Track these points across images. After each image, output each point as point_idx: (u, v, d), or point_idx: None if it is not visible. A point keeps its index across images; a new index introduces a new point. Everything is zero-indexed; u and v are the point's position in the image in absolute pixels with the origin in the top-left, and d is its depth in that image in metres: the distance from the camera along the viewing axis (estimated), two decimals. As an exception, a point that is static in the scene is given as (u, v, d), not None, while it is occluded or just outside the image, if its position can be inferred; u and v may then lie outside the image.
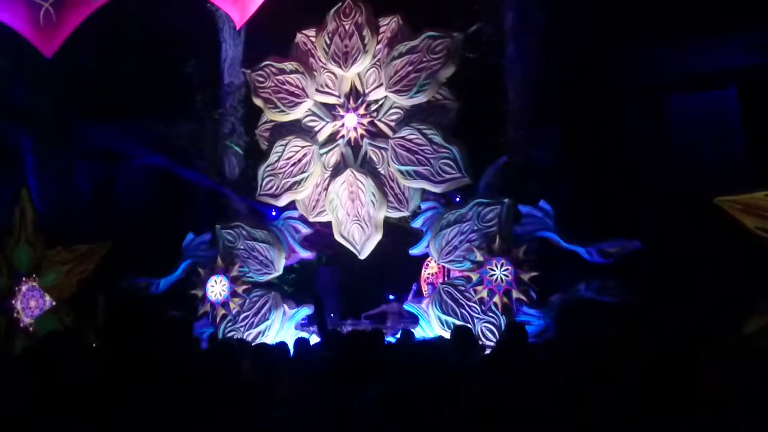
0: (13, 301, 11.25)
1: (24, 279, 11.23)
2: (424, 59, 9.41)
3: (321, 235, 10.64)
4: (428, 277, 10.82)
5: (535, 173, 9.12)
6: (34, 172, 12.64)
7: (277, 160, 10.43)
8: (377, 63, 9.93)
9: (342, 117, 10.16)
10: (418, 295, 10.30)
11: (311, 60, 10.43)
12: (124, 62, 11.53)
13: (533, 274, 8.69)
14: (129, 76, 11.50)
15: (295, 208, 10.52)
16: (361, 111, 10.03)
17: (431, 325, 9.20)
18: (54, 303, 11.04)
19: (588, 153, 8.87)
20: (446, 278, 9.92)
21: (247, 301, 10.26)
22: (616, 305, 7.98)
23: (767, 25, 8.94)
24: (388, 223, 9.99)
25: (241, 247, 10.40)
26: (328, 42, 10.07)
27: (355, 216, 9.93)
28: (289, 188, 10.37)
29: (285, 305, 10.20)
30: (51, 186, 12.73)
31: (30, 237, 11.40)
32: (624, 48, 9.65)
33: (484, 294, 8.87)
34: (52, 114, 12.43)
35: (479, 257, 8.92)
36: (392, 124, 9.85)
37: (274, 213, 10.71)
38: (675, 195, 9.21)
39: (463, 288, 9.11)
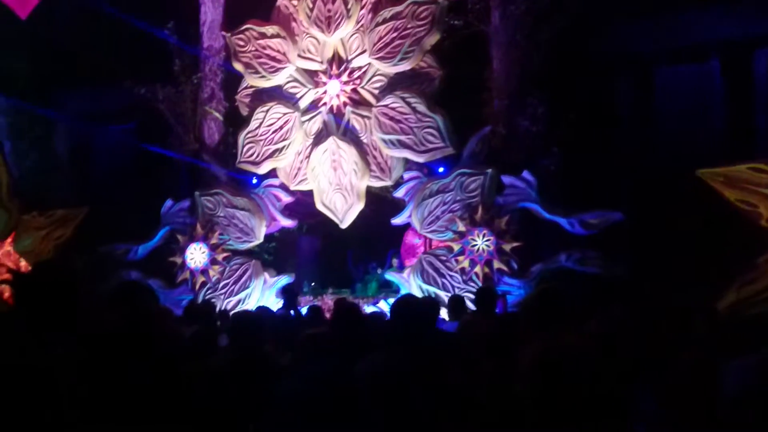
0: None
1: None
2: (409, 26, 9.27)
3: (302, 204, 10.54)
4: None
5: (518, 143, 9.06)
6: (10, 136, 12.40)
7: (258, 127, 10.28)
8: (361, 29, 9.76)
9: (324, 84, 10.01)
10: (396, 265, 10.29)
11: (293, 24, 10.23)
12: (101, 24, 11.24)
13: (515, 244, 8.68)
14: (107, 39, 11.23)
15: (276, 176, 10.41)
16: (344, 78, 9.88)
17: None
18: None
19: (572, 124, 8.79)
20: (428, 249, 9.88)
21: (227, 268, 10.18)
22: (596, 276, 8.01)
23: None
24: (370, 192, 9.91)
25: (221, 214, 10.29)
26: (311, 6, 9.87)
27: (337, 185, 9.84)
28: (270, 155, 10.24)
29: (265, 273, 10.13)
30: (27, 150, 12.51)
31: (5, 201, 11.22)
32: (610, 19, 9.57)
33: (466, 264, 8.86)
34: (29, 77, 12.16)
35: (461, 227, 8.89)
36: (376, 91, 9.72)
37: (254, 180, 10.58)
38: (658, 166, 9.21)
39: (444, 258, 9.09)
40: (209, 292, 10.18)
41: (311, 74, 10.16)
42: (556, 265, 8.40)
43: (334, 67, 9.92)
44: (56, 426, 2.33)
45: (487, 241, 8.72)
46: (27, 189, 11.56)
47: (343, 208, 9.84)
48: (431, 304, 5.85)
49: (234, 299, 10.00)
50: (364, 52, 9.71)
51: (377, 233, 10.67)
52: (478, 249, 8.77)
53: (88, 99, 12.38)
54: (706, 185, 7.74)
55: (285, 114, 10.14)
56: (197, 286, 10.24)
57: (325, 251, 11.79)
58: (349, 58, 9.86)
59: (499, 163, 8.96)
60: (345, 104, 9.89)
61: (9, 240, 11.17)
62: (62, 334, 2.53)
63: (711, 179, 7.71)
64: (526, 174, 8.68)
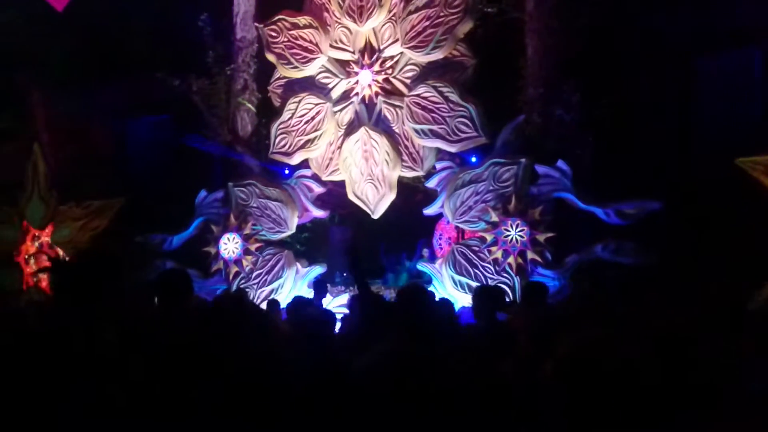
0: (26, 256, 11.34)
1: (36, 234, 11.30)
2: (442, 14, 9.18)
3: (334, 195, 10.57)
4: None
5: (553, 132, 8.90)
6: (47, 128, 12.60)
7: (290, 118, 10.32)
8: (393, 18, 9.70)
9: (356, 74, 9.99)
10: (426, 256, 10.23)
11: (325, 14, 10.22)
12: (136, 16, 11.37)
13: (549, 234, 8.57)
14: (141, 31, 11.36)
15: (308, 167, 10.44)
16: (376, 68, 9.85)
17: (444, 285, 9.15)
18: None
19: (607, 112, 8.63)
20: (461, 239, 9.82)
21: (260, 259, 10.25)
22: (632, 267, 7.87)
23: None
24: (402, 182, 9.87)
25: (254, 205, 10.36)
26: (343, -4, 9.85)
27: (368, 175, 9.83)
28: (302, 146, 10.27)
29: (298, 264, 10.19)
30: (64, 142, 12.69)
31: (43, 192, 11.46)
32: (646, 5, 9.37)
33: (499, 255, 8.78)
34: (65, 68, 12.34)
35: (494, 218, 8.81)
36: (408, 81, 9.67)
37: (287, 171, 10.62)
38: (695, 156, 9.02)
39: (477, 248, 9.02)
40: (242, 282, 10.26)
41: (343, 64, 10.14)
42: (591, 256, 8.26)
43: (365, 57, 9.89)
44: (100, 413, 2.35)
45: (520, 231, 8.63)
46: (64, 180, 11.76)
47: (374, 198, 9.83)
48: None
49: (267, 289, 10.06)
50: (396, 41, 9.65)
51: (409, 224, 10.63)
52: (512, 239, 8.68)
53: (123, 90, 12.51)
54: (745, 174, 7.57)
55: (317, 105, 10.15)
56: (231, 276, 10.33)
57: (356, 242, 11.78)
58: (381, 47, 9.82)
59: (533, 152, 8.83)
60: (377, 94, 9.86)
61: (47, 230, 11.40)
62: (104, 321, 2.55)
63: (750, 168, 7.55)
64: (560, 163, 8.54)
